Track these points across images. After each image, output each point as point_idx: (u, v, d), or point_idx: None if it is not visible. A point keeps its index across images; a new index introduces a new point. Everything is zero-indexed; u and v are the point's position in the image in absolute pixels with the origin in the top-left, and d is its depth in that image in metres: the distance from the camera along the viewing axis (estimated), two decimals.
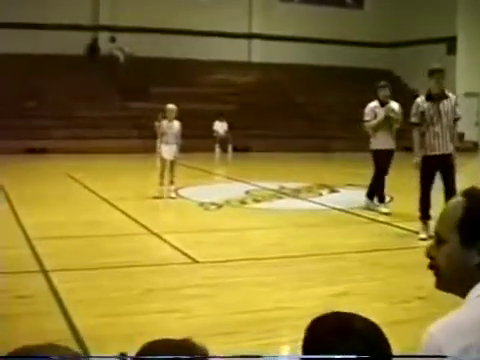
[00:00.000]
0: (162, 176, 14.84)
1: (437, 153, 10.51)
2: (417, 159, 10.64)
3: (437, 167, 10.54)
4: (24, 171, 20.68)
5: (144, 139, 24.61)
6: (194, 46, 34.75)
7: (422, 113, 10.59)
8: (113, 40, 33.84)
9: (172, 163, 14.96)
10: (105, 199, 14.38)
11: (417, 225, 10.77)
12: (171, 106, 15.11)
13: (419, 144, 10.68)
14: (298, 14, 36.96)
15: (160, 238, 10.32)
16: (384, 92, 13.26)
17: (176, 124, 14.99)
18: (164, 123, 15.13)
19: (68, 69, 30.12)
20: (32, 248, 9.33)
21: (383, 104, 13.18)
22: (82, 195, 15.32)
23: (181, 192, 15.85)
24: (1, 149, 24.52)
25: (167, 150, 14.90)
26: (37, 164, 22.70)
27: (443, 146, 10.54)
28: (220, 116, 29.02)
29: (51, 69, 29.87)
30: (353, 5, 39.72)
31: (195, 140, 26.95)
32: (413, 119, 10.74)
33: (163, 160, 15.02)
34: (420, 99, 10.76)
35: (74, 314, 6.43)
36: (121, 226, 11.54)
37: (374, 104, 13.32)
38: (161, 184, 14.76)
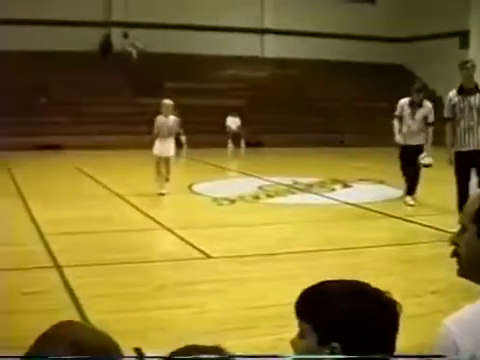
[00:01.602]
0: (158, 172, 14.62)
1: (469, 149, 10.35)
2: (450, 155, 10.52)
3: (470, 163, 10.35)
4: (37, 167, 20.77)
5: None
6: (207, 41, 34.73)
7: (453, 107, 10.47)
8: (126, 36, 33.87)
9: (167, 160, 14.69)
10: (118, 194, 14.41)
11: (431, 219, 10.73)
12: (167, 101, 14.79)
13: (451, 139, 10.55)
14: (310, 9, 36.85)
15: (173, 233, 10.34)
16: (418, 97, 13.14)
17: (172, 120, 14.70)
18: (159, 118, 14.65)
19: (81, 66, 30.19)
20: (45, 244, 9.36)
21: (415, 104, 13.09)
22: (95, 191, 15.36)
23: (194, 187, 15.87)
24: (14, 145, 24.64)
25: (160, 147, 14.58)
26: (50, 160, 22.78)
27: (474, 142, 10.36)
28: (233, 111, 29.02)
29: (64, 66, 29.93)
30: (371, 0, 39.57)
31: (208, 135, 27.03)
32: (446, 113, 10.62)
33: (156, 157, 14.71)
34: (452, 93, 10.64)
35: (88, 309, 6.45)
36: (134, 221, 11.55)
37: (405, 101, 13.23)
38: (157, 180, 14.59)
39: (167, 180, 14.59)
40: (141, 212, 12.37)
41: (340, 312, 1.83)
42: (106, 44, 33.79)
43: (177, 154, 24.41)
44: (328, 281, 1.97)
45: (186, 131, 26.44)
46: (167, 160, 14.67)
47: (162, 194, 14.29)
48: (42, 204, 13.02)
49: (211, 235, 10.35)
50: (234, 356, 1.84)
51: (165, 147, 14.55)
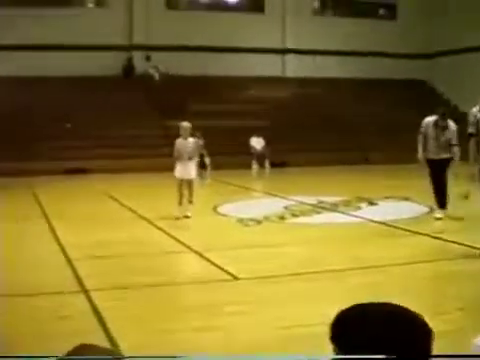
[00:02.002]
0: (180, 195, 14.54)
1: None
2: (474, 170, 10.45)
3: None
4: (63, 191, 20.92)
5: None
6: (229, 63, 34.93)
7: (477, 122, 10.41)
8: (148, 59, 34.12)
9: (189, 182, 14.58)
10: (144, 217, 14.45)
11: (458, 236, 10.64)
12: (185, 124, 14.72)
13: (475, 155, 10.48)
14: (331, 27, 36.95)
15: (200, 255, 10.34)
16: (442, 122, 13.08)
17: (191, 142, 14.64)
18: (178, 141, 14.58)
19: (104, 89, 30.49)
20: (72, 268, 9.40)
21: (439, 127, 13.05)
22: (120, 214, 15.43)
23: (219, 209, 15.88)
24: (40, 170, 24.86)
25: (181, 169, 14.49)
26: (76, 184, 22.93)
27: None
28: (256, 132, 29.04)
29: (87, 90, 30.23)
30: (386, 17, 39.63)
31: (232, 157, 27.06)
32: (470, 129, 10.57)
33: (178, 180, 14.62)
34: (475, 108, 10.59)
35: (115, 333, 6.46)
36: (160, 244, 11.57)
37: (430, 120, 13.21)
38: (180, 203, 14.51)
39: (190, 203, 14.53)
40: (167, 235, 12.39)
41: (375, 337, 1.78)
42: (128, 67, 34.06)
43: (201, 176, 24.56)
44: (363, 304, 1.92)
45: (210, 153, 26.50)
46: (189, 183, 14.58)
47: (187, 217, 14.26)
48: (68, 228, 13.09)
49: (238, 256, 10.34)
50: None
51: (186, 170, 14.45)
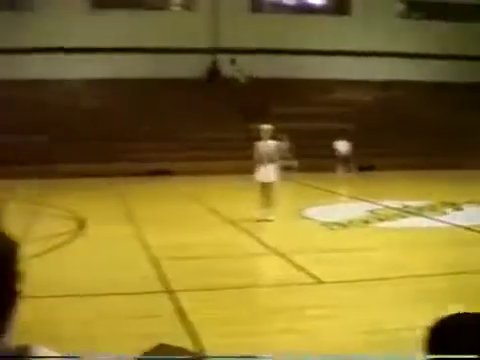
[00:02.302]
0: (262, 198, 14.54)
1: None
2: None
3: None
4: (148, 193, 21.23)
5: None
6: (313, 65, 34.83)
7: None
8: (233, 62, 34.31)
9: (270, 185, 14.48)
10: (229, 220, 14.54)
11: None
12: (266, 126, 14.63)
13: None
14: (419, 30, 36.42)
15: (285, 258, 10.34)
16: None
17: (272, 145, 14.55)
18: (259, 144, 14.59)
19: (188, 92, 30.80)
20: (157, 269, 9.53)
21: None
22: (206, 216, 15.54)
23: (304, 212, 15.85)
24: (123, 171, 25.30)
25: (261, 172, 14.47)
26: (160, 186, 23.22)
27: None
28: (341, 135, 28.83)
29: (171, 92, 30.59)
30: (476, 19, 38.77)
31: (317, 160, 26.96)
32: None
33: (260, 183, 14.60)
34: None
35: (199, 334, 6.51)
36: (246, 246, 11.62)
37: None
38: (262, 206, 14.51)
39: (272, 206, 14.49)
40: (252, 237, 12.45)
41: (474, 348, 1.67)
42: (213, 70, 34.30)
43: (286, 178, 24.54)
44: (462, 314, 1.85)
45: (295, 155, 26.48)
46: (270, 186, 14.50)
47: (269, 220, 14.25)
48: (153, 229, 13.28)
49: (322, 259, 10.30)
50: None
51: (267, 173, 14.42)
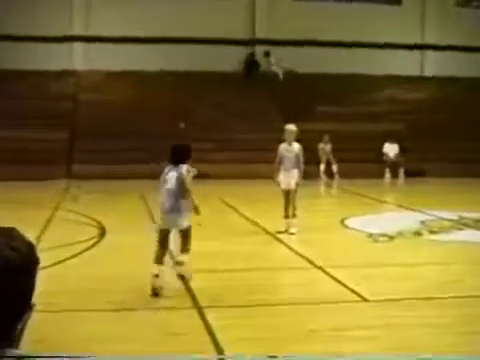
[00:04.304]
0: (285, 207, 14.35)
1: None
2: None
3: None
4: None
5: (308, 164, 24.52)
6: (360, 59, 34.61)
7: None
8: (267, 55, 34.20)
9: (293, 193, 14.30)
10: (264, 229, 14.52)
11: None
12: (290, 127, 14.44)
13: None
14: (476, 21, 36.05)
15: (325, 273, 10.29)
16: None
17: (296, 147, 14.29)
18: (282, 147, 14.38)
19: (224, 87, 30.81)
20: (185, 282, 9.51)
21: None
22: (239, 224, 15.52)
23: (347, 222, 15.77)
24: (150, 174, 25.27)
25: (284, 178, 14.24)
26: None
27: None
28: (390, 137, 28.67)
29: (205, 87, 30.61)
30: None
31: (362, 164, 26.82)
32: None
33: (283, 190, 14.38)
34: None
35: (230, 354, 6.49)
36: (282, 259, 11.60)
37: None
38: (285, 217, 14.35)
39: (294, 216, 14.32)
40: (289, 248, 12.43)
41: None
42: (251, 63, 34.25)
43: (328, 185, 24.45)
44: None
45: (338, 159, 26.39)
46: (293, 193, 14.31)
47: (291, 234, 13.99)
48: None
49: (367, 275, 10.23)
50: None
51: (289, 179, 14.20)
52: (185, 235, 9.89)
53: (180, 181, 9.75)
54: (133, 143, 27.03)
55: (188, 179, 9.82)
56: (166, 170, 10.02)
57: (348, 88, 32.42)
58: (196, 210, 9.80)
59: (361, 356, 6.51)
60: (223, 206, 18.83)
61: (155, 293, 8.88)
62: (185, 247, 9.86)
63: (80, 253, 11.69)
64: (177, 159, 10.04)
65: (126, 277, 9.94)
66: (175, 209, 9.63)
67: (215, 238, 13.41)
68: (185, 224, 9.75)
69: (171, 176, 9.80)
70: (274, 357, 4.02)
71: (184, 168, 9.94)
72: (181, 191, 9.71)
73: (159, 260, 9.39)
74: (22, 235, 1.98)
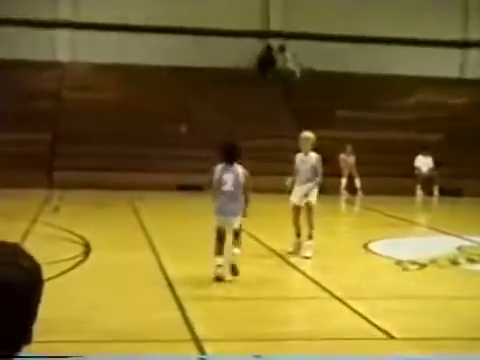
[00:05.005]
0: (296, 226, 14.35)
1: None
2: None
3: None
4: (174, 212, 21.25)
5: (327, 177, 24.38)
6: (389, 57, 34.55)
7: None
8: (282, 49, 34.11)
9: (308, 210, 14.22)
10: (273, 250, 14.49)
11: None
12: (306, 134, 14.42)
13: None
14: None
15: (344, 304, 10.25)
16: None
17: (313, 157, 14.25)
18: (298, 157, 14.38)
19: (232, 86, 30.75)
20: (182, 310, 9.49)
21: None
22: (244, 244, 15.45)
23: (372, 246, 15.72)
24: (146, 184, 25.29)
25: (297, 193, 14.20)
26: (190, 204, 23.20)
27: None
28: (423, 149, 28.64)
29: (211, 86, 30.57)
30: None
31: (391, 179, 26.78)
32: None
33: (294, 206, 14.35)
34: None
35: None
36: (294, 286, 11.64)
37: None
38: (297, 236, 14.32)
39: (310, 237, 14.21)
40: (303, 275, 12.42)
41: None
42: (266, 59, 34.13)
43: (350, 202, 24.42)
44: None
45: (362, 173, 26.36)
46: (308, 210, 14.25)
47: (306, 257, 13.92)
48: (178, 260, 13.30)
49: (394, 309, 10.19)
50: None
51: (303, 193, 14.12)
52: (237, 233, 11.91)
53: (238, 184, 11.60)
54: (125, 148, 27.02)
55: (247, 180, 11.71)
56: (218, 170, 11.71)
57: (375, 90, 32.38)
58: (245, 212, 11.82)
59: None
60: None
61: (218, 278, 11.24)
62: (238, 242, 11.95)
63: (61, 274, 11.63)
64: (231, 158, 11.65)
65: (114, 304, 9.90)
66: (234, 212, 11.68)
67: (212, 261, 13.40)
68: (238, 224, 11.82)
69: (228, 178, 11.51)
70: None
71: (240, 168, 11.73)
72: (239, 193, 11.63)
73: (219, 251, 11.62)
74: (28, 252, 1.97)
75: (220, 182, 11.53)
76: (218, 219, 11.88)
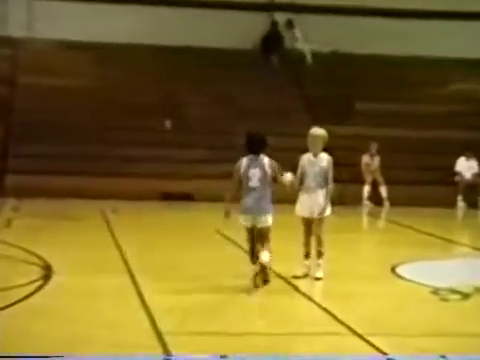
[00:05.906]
0: (306, 243, 14.41)
1: None
2: None
3: None
4: (156, 227, 21.24)
5: (343, 183, 24.39)
6: (421, 35, 34.49)
7: None
8: (290, 25, 34.14)
9: (317, 222, 14.29)
10: (278, 274, 14.41)
11: None
12: (316, 131, 14.42)
13: None
14: None
15: (366, 342, 10.14)
16: None
17: (324, 159, 14.27)
18: (304, 158, 14.38)
19: (229, 71, 30.76)
20: (164, 348, 9.41)
21: None
22: (240, 264, 15.32)
23: (401, 270, 15.69)
24: (124, 192, 25.27)
25: (305, 202, 14.27)
26: (176, 216, 23.27)
27: None
28: (466, 150, 28.63)
29: (203, 71, 30.53)
30: None
31: (424, 187, 26.79)
32: None
33: (304, 220, 14.42)
34: None
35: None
36: (301, 317, 11.67)
37: None
38: (306, 256, 14.41)
39: (320, 256, 14.35)
40: (316, 304, 12.39)
41: None
42: (271, 38, 34.08)
43: (374, 215, 24.40)
44: None
45: (387, 179, 26.35)
46: (319, 223, 14.32)
47: (317, 279, 14.13)
48: (159, 283, 13.40)
49: (430, 350, 10.06)
50: None
51: (312, 203, 14.18)
52: (265, 234, 13.27)
53: (265, 178, 12.98)
54: (95, 147, 27.01)
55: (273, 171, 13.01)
56: (244, 164, 12.97)
57: (402, 77, 32.43)
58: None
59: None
60: (217, 238, 19.02)
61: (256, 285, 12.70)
62: (267, 245, 13.17)
63: (15, 303, 11.59)
64: (256, 149, 12.93)
65: (78, 342, 9.82)
66: (262, 209, 13.13)
67: (209, 284, 13.44)
68: (267, 223, 13.24)
69: (254, 173, 12.83)
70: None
71: (266, 160, 13.00)
72: (267, 189, 13.07)
73: (254, 255, 13.11)
74: None
75: (245, 178, 12.84)
76: (245, 218, 13.24)
